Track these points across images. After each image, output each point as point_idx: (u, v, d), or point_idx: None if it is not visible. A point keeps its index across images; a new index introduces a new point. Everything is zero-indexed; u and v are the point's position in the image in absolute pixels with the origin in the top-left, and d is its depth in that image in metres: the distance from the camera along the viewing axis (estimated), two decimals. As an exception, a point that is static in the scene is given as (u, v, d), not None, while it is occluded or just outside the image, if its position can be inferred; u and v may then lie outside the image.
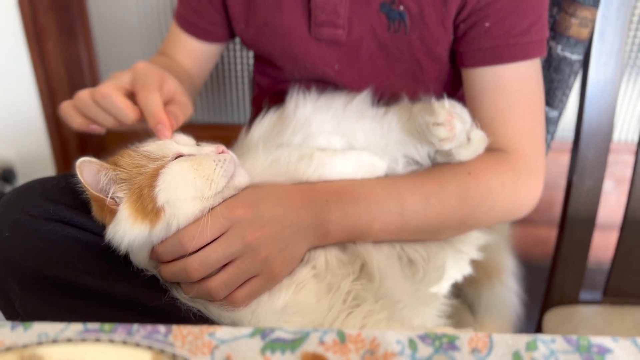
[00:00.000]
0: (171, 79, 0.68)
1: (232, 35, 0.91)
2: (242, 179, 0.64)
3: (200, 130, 1.27)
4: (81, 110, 0.65)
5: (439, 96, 0.71)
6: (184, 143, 0.65)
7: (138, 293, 0.63)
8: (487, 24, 0.72)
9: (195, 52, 0.91)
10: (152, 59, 0.89)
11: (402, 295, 0.68)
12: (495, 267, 0.90)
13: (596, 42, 0.83)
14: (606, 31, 0.82)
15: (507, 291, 0.91)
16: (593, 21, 0.81)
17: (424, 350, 0.46)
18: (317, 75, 0.82)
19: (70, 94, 1.53)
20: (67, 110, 0.67)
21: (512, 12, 0.71)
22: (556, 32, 0.83)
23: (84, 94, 0.64)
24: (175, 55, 0.91)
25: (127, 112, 0.62)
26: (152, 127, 0.63)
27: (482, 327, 0.91)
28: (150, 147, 0.63)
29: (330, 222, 0.67)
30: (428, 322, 0.71)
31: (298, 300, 0.65)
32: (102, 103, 0.63)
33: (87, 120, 0.66)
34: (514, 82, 0.73)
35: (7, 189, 1.42)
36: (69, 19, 1.39)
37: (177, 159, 0.62)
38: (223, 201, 0.62)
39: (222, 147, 0.64)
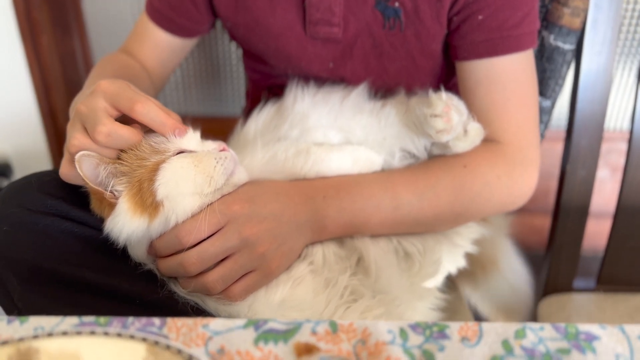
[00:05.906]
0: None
1: (208, 30, 0.89)
2: (241, 177, 0.65)
3: (195, 122, 1.27)
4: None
5: (433, 89, 0.71)
6: (191, 138, 0.64)
7: (136, 287, 0.63)
8: (480, 17, 0.72)
9: (163, 47, 0.88)
10: (106, 63, 0.85)
11: (397, 290, 0.69)
12: (491, 258, 0.90)
13: (589, 31, 0.83)
14: (598, 20, 0.82)
15: (505, 281, 0.92)
16: (585, 10, 0.81)
17: (415, 339, 0.46)
18: (311, 73, 0.81)
19: (65, 88, 1.52)
20: (72, 174, 0.61)
21: (504, 4, 0.71)
22: (549, 21, 0.83)
23: (83, 144, 0.59)
24: (140, 51, 0.88)
25: (133, 138, 0.60)
26: (168, 134, 0.61)
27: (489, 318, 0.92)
28: (156, 137, 0.63)
29: (327, 217, 0.68)
30: (423, 316, 0.71)
31: (295, 295, 0.65)
32: (109, 142, 0.60)
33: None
34: (507, 74, 0.74)
35: (4, 183, 1.43)
36: (63, 14, 1.38)
37: (178, 154, 0.62)
38: (221, 197, 0.63)
39: (223, 145, 0.65)
